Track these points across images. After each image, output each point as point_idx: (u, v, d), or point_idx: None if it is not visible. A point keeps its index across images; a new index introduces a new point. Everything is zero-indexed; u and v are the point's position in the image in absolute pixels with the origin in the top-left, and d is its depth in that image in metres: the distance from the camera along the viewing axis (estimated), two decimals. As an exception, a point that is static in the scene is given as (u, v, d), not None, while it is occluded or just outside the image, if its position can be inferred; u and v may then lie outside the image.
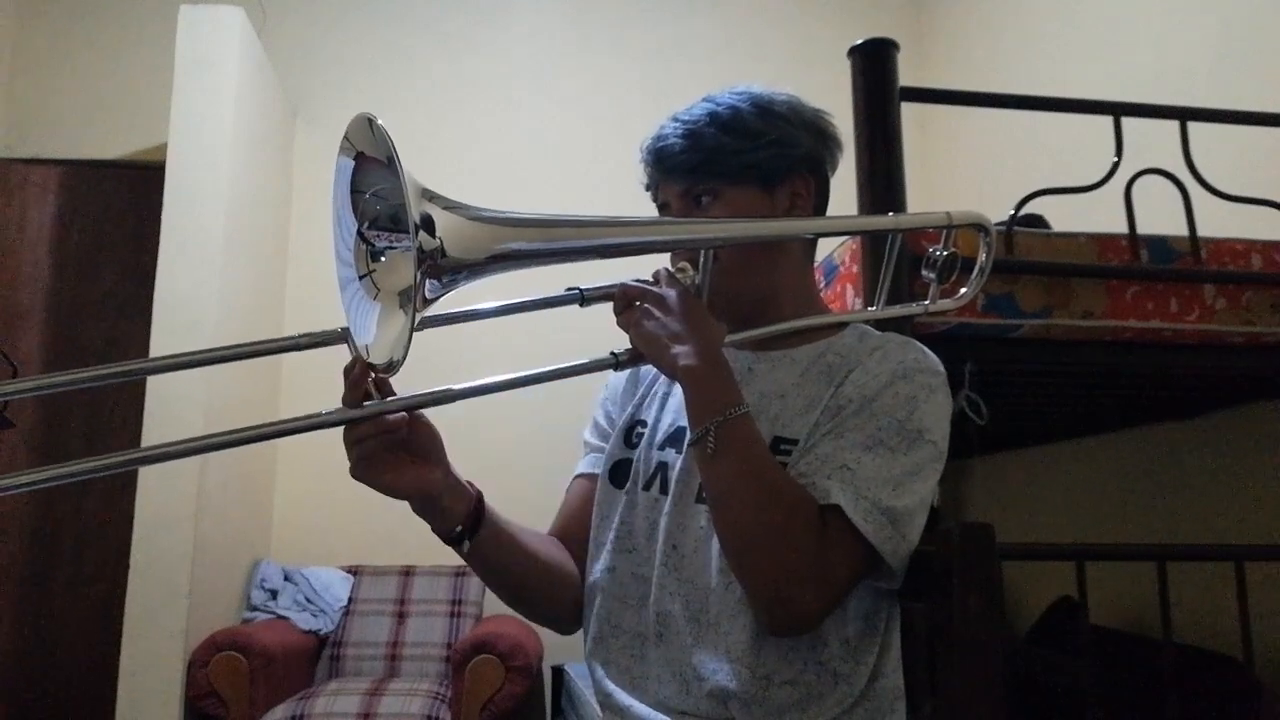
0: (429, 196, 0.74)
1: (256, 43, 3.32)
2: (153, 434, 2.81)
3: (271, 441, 3.45)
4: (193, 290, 2.92)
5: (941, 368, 0.97)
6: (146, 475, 2.80)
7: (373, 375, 0.78)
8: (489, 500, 0.95)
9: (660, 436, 1.05)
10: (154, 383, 2.85)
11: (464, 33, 3.94)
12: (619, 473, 1.06)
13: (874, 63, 1.45)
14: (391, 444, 0.83)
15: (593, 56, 3.99)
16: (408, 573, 3.36)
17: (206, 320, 2.90)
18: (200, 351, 0.81)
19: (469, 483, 0.93)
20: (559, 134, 3.88)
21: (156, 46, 3.33)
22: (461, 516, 0.91)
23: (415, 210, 0.71)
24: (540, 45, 3.97)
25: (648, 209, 1.07)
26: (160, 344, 2.86)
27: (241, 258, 3.17)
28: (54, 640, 3.28)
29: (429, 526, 0.92)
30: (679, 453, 1.01)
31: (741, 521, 0.86)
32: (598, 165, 3.66)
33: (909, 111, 1.45)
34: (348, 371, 0.78)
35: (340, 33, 3.90)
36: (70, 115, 3.67)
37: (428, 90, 3.87)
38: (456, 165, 3.73)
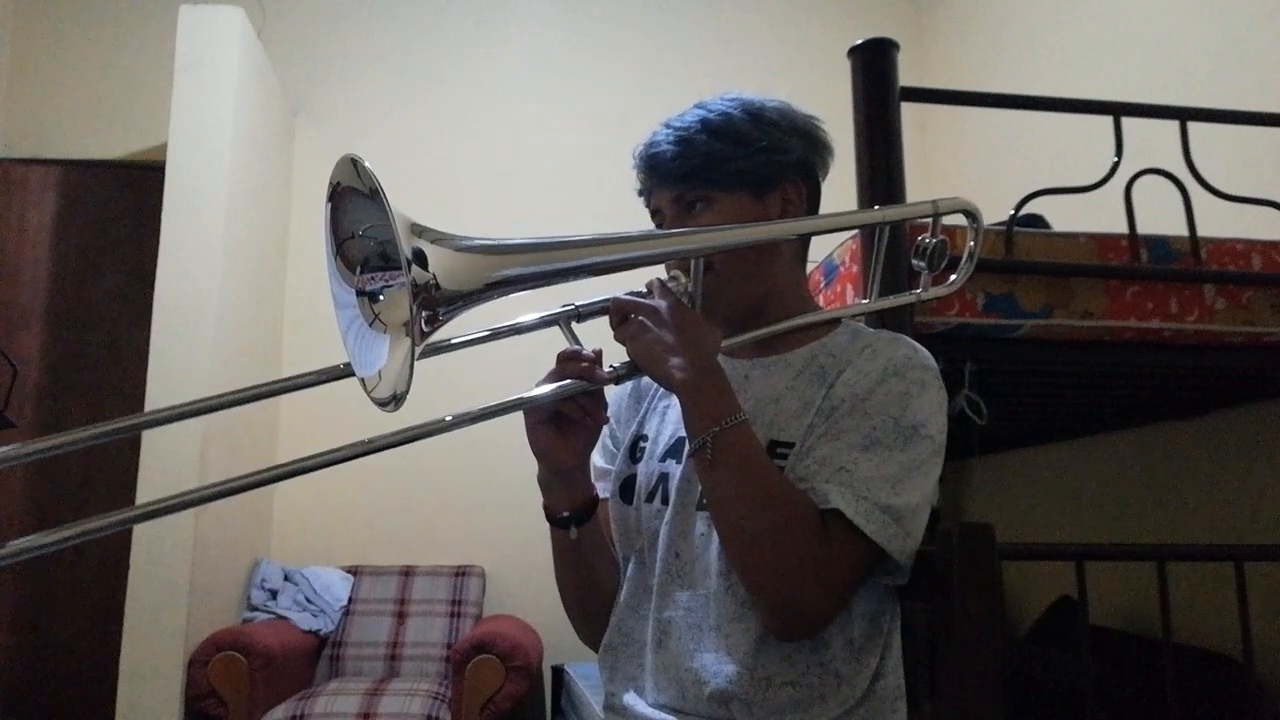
0: (418, 231, 0.75)
1: (256, 43, 3.32)
2: (150, 447, 2.80)
3: (271, 442, 3.49)
4: (193, 290, 2.92)
5: (933, 362, 0.97)
6: (146, 475, 2.80)
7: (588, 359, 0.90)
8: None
9: (661, 448, 1.05)
10: (153, 397, 2.84)
11: (463, 33, 3.94)
12: (627, 489, 1.07)
13: (874, 63, 1.45)
14: (551, 415, 0.93)
15: (592, 56, 3.99)
16: (408, 573, 3.36)
17: (206, 320, 2.90)
18: (207, 398, 0.81)
19: (594, 484, 1.03)
20: (558, 133, 3.88)
21: (156, 46, 3.33)
22: (571, 505, 0.99)
23: (406, 246, 0.73)
24: (539, 45, 3.97)
25: (645, 210, 1.07)
26: (160, 344, 2.86)
27: (241, 258, 3.17)
28: (54, 640, 3.28)
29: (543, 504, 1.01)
30: (679, 463, 1.01)
31: (743, 529, 0.86)
32: (597, 164, 3.66)
33: (909, 111, 1.45)
34: (565, 358, 0.91)
35: (340, 33, 3.90)
36: (70, 115, 3.67)
37: (427, 90, 3.86)
38: (456, 165, 3.73)
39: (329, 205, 0.79)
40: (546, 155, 3.84)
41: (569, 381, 0.90)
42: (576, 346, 0.91)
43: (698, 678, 0.93)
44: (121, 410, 3.29)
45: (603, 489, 1.11)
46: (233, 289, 3.08)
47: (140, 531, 2.77)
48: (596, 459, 1.15)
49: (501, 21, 3.96)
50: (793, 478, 0.91)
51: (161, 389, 2.83)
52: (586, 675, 2.83)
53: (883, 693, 0.94)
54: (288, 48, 3.75)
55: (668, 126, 1.01)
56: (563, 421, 0.94)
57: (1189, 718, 1.23)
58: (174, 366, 2.82)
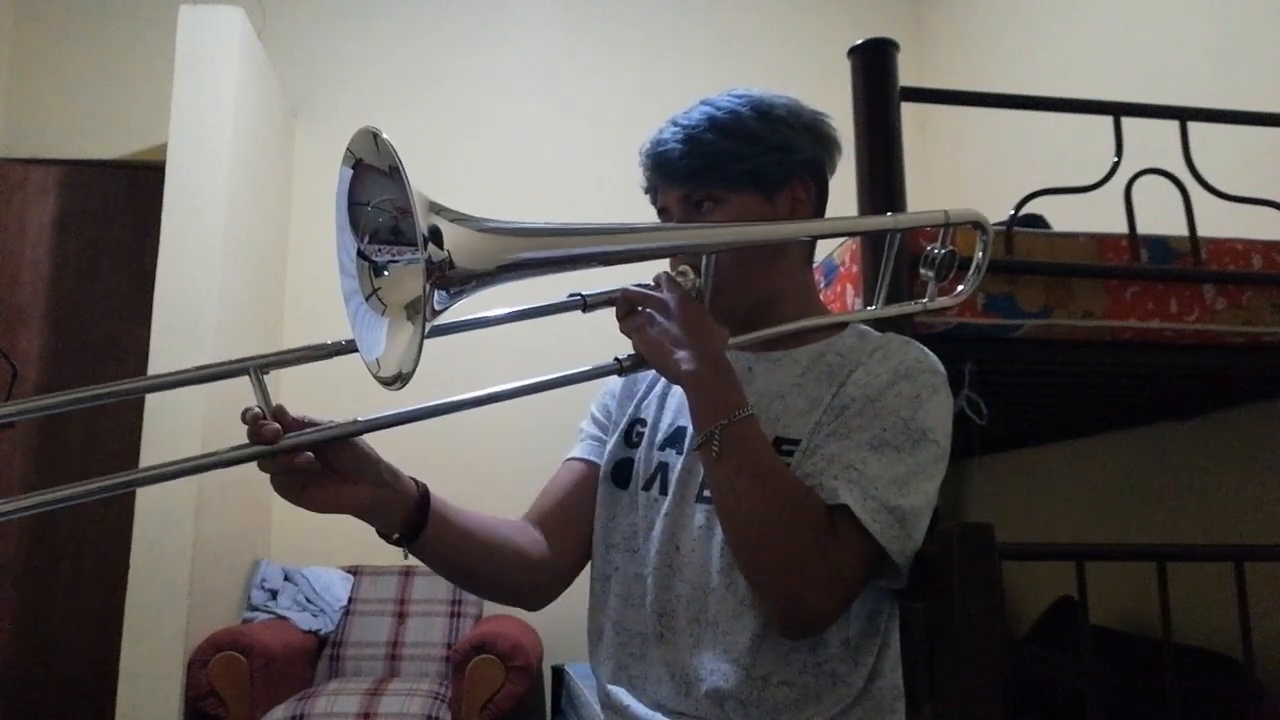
0: (436, 209, 0.74)
1: (256, 43, 3.32)
2: (152, 439, 2.80)
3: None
4: (193, 290, 2.92)
5: (941, 367, 0.97)
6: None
7: (264, 418, 0.76)
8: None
9: (660, 436, 1.05)
10: (152, 395, 2.85)
11: (464, 32, 3.94)
12: (621, 473, 1.06)
13: (874, 63, 1.45)
14: (309, 470, 0.80)
15: (592, 55, 4.00)
16: (408, 573, 3.35)
17: (206, 320, 2.90)
18: (202, 367, 0.81)
19: (415, 482, 0.89)
20: (558, 132, 3.88)
21: (156, 46, 3.33)
22: (399, 523, 0.87)
23: (423, 222, 0.71)
24: (539, 44, 3.98)
25: (647, 209, 1.07)
26: (160, 344, 2.87)
27: (241, 258, 3.17)
28: (54, 640, 3.28)
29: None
30: (679, 453, 1.01)
31: (750, 523, 0.85)
32: (597, 163, 3.66)
33: (909, 111, 1.45)
34: (244, 419, 0.76)
35: (340, 33, 3.90)
36: (70, 115, 3.67)
37: (427, 90, 3.87)
38: (456, 164, 3.73)
39: (344, 171, 0.77)
40: (547, 155, 3.84)
41: (253, 446, 0.76)
42: (252, 407, 0.77)
43: (696, 675, 0.93)
44: (120, 411, 3.28)
45: (586, 449, 1.10)
46: (233, 289, 3.08)
47: (140, 532, 2.77)
48: (584, 424, 1.14)
49: (501, 21, 3.96)
50: (800, 474, 0.90)
51: (159, 394, 2.83)
52: (586, 675, 2.83)
53: (880, 693, 0.94)
54: (288, 48, 3.75)
55: (675, 124, 1.00)
56: (325, 474, 0.81)
57: (1189, 718, 1.23)
58: (174, 366, 2.80)
